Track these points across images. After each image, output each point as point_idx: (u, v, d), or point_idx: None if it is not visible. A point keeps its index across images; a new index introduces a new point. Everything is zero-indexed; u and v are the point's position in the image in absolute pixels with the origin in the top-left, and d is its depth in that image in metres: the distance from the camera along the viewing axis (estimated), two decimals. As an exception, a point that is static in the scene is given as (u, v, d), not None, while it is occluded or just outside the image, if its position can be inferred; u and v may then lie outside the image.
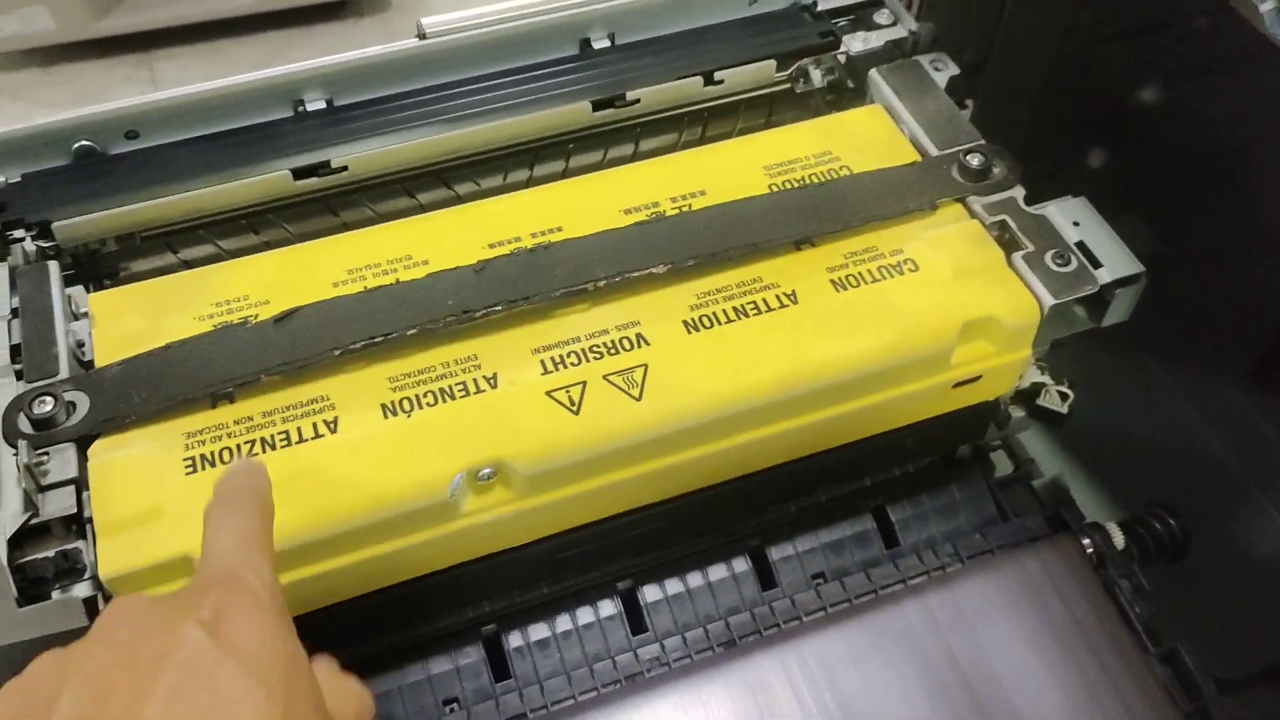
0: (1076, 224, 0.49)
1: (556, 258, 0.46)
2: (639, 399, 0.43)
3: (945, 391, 0.47)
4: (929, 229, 0.48)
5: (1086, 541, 0.50)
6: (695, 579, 0.50)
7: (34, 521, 0.39)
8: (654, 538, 0.48)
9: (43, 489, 0.40)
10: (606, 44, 0.53)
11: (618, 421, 0.43)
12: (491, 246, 0.47)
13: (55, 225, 0.46)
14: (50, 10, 1.66)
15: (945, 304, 0.46)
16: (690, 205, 0.49)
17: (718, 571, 0.51)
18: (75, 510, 0.40)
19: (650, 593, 0.50)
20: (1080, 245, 0.48)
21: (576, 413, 0.43)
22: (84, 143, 0.48)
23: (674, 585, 0.50)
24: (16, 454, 0.40)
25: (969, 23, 0.62)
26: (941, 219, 0.49)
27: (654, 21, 0.53)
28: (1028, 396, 0.52)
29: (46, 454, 0.40)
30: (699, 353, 0.44)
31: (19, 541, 0.39)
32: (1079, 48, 0.62)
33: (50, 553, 0.39)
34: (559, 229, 0.48)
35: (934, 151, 0.51)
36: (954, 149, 0.51)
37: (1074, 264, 0.47)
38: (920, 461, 0.52)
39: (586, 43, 0.53)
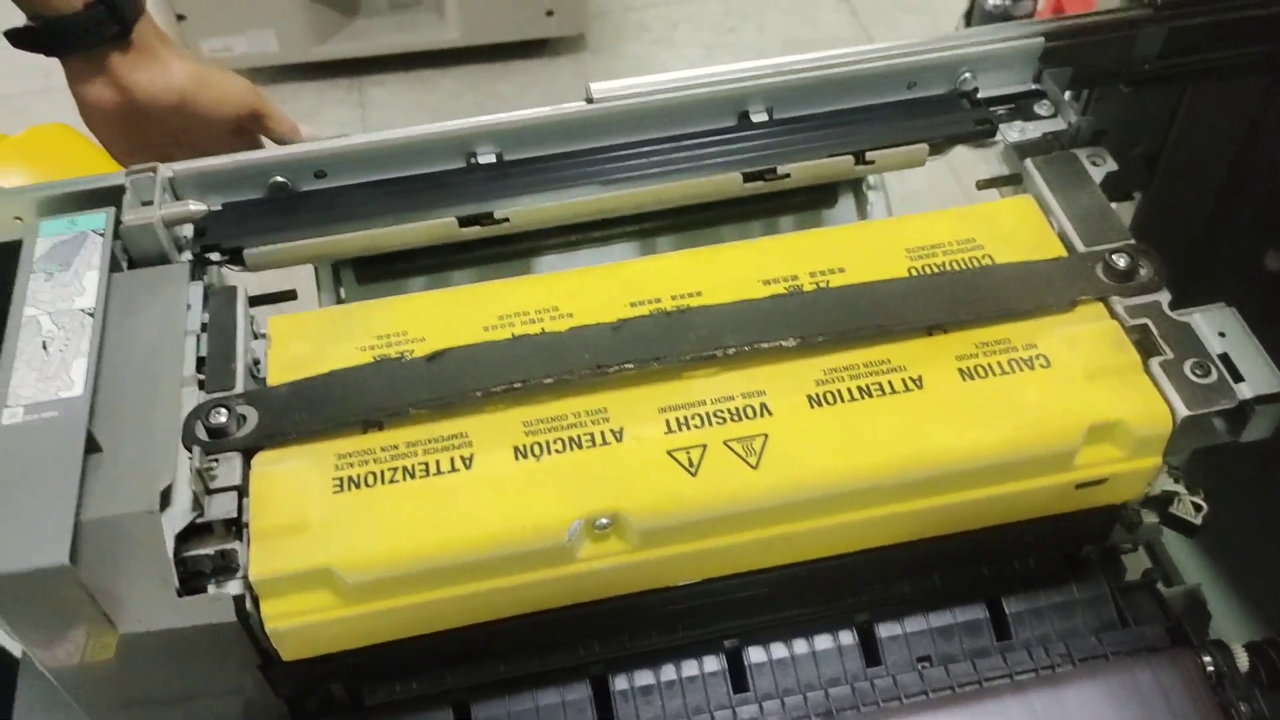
0: (1222, 334, 0.48)
1: (691, 322, 0.48)
2: (756, 467, 0.45)
3: (1068, 491, 0.47)
4: (1065, 325, 0.48)
5: (1207, 659, 0.49)
6: (800, 646, 0.51)
7: (199, 521, 0.44)
8: (763, 601, 0.49)
9: (210, 492, 0.44)
10: (764, 117, 0.55)
11: (733, 487, 0.44)
12: (632, 305, 0.50)
13: (246, 252, 0.52)
14: (276, 33, 1.80)
15: (1073, 404, 0.46)
16: (828, 281, 0.50)
17: (823, 641, 0.51)
18: (235, 515, 0.44)
19: (755, 654, 0.51)
20: (1224, 357, 0.47)
21: (694, 474, 0.45)
22: (278, 179, 0.53)
23: (779, 649, 0.51)
24: (192, 458, 0.44)
25: (1143, 116, 0.61)
26: (1080, 316, 0.49)
27: (812, 98, 0.55)
28: (1161, 502, 0.51)
29: (216, 460, 0.45)
30: (820, 427, 0.46)
31: (184, 537, 0.43)
32: (1265, 145, 0.61)
33: (210, 550, 0.44)
34: (698, 294, 0.50)
35: (1081, 247, 0.51)
36: (1102, 246, 0.50)
37: (1214, 375, 0.46)
38: (1041, 557, 0.52)
39: (745, 115, 0.55)
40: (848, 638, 0.51)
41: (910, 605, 0.52)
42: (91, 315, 0.46)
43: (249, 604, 0.43)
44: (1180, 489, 0.50)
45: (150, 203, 0.51)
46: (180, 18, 1.74)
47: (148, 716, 0.48)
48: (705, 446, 0.45)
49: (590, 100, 0.53)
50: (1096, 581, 0.52)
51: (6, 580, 0.39)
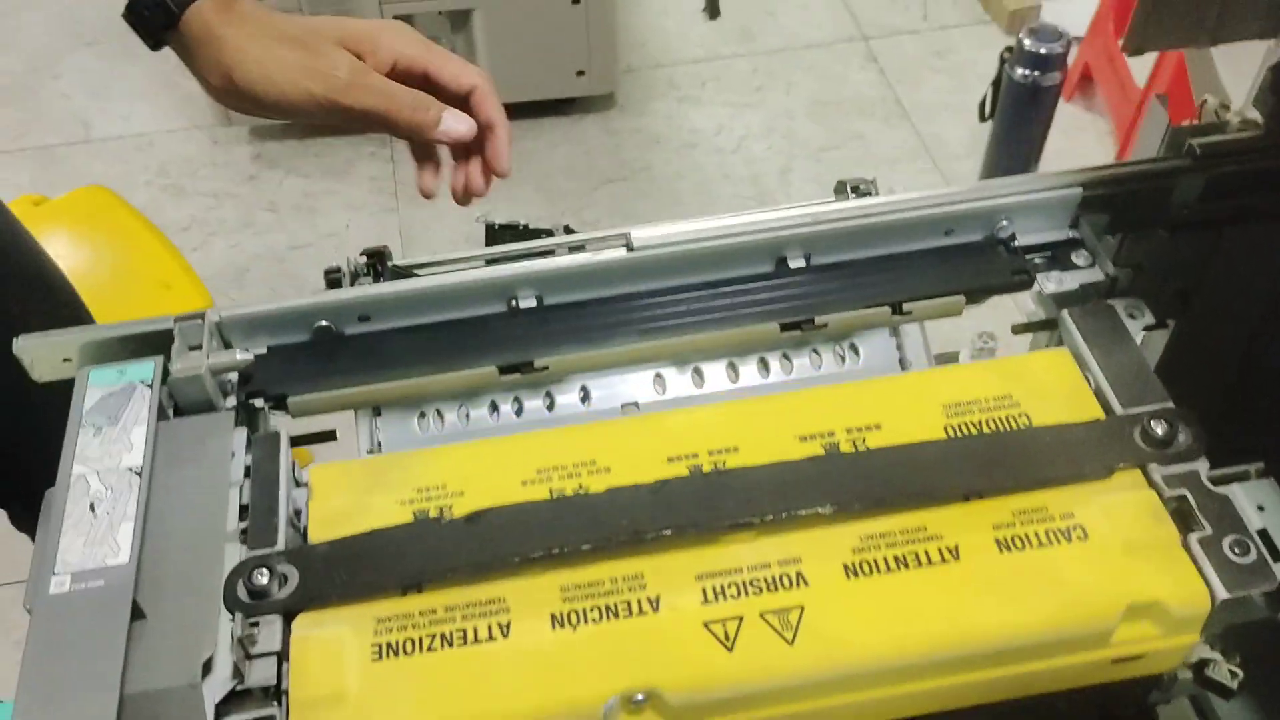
0: (1261, 509, 0.48)
1: (728, 486, 0.48)
2: (792, 643, 0.45)
3: (1103, 666, 0.47)
4: (1103, 494, 0.48)
5: (1244, 830, 0.48)
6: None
7: (240, 688, 0.44)
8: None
9: (250, 657, 0.45)
10: (802, 263, 0.56)
11: (769, 663, 0.44)
12: (670, 461, 0.50)
13: (291, 400, 0.52)
14: (309, 91, 1.82)
15: (1112, 582, 0.46)
16: (865, 439, 0.51)
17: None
18: (275, 681, 0.44)
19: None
20: (1263, 534, 0.47)
21: (730, 649, 0.45)
22: (322, 323, 0.54)
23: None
24: (233, 622, 0.45)
25: (1178, 254, 0.61)
26: (1117, 484, 0.49)
27: (849, 246, 0.56)
28: (1196, 666, 0.50)
29: (257, 624, 0.46)
30: (856, 600, 0.46)
31: (224, 702, 0.44)
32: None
33: (250, 716, 0.44)
34: (735, 449, 0.51)
35: (1118, 408, 0.51)
36: (1139, 409, 0.50)
37: (1254, 555, 0.46)
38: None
39: (783, 261, 0.56)
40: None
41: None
42: (139, 474, 0.47)
43: (289, 774, 0.43)
44: (1216, 655, 0.50)
45: (198, 347, 0.52)
46: (216, 76, 1.76)
47: None
48: (741, 619, 0.45)
49: (630, 248, 0.54)
50: (1131, 744, 0.52)
51: (55, 761, 0.39)
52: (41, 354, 0.53)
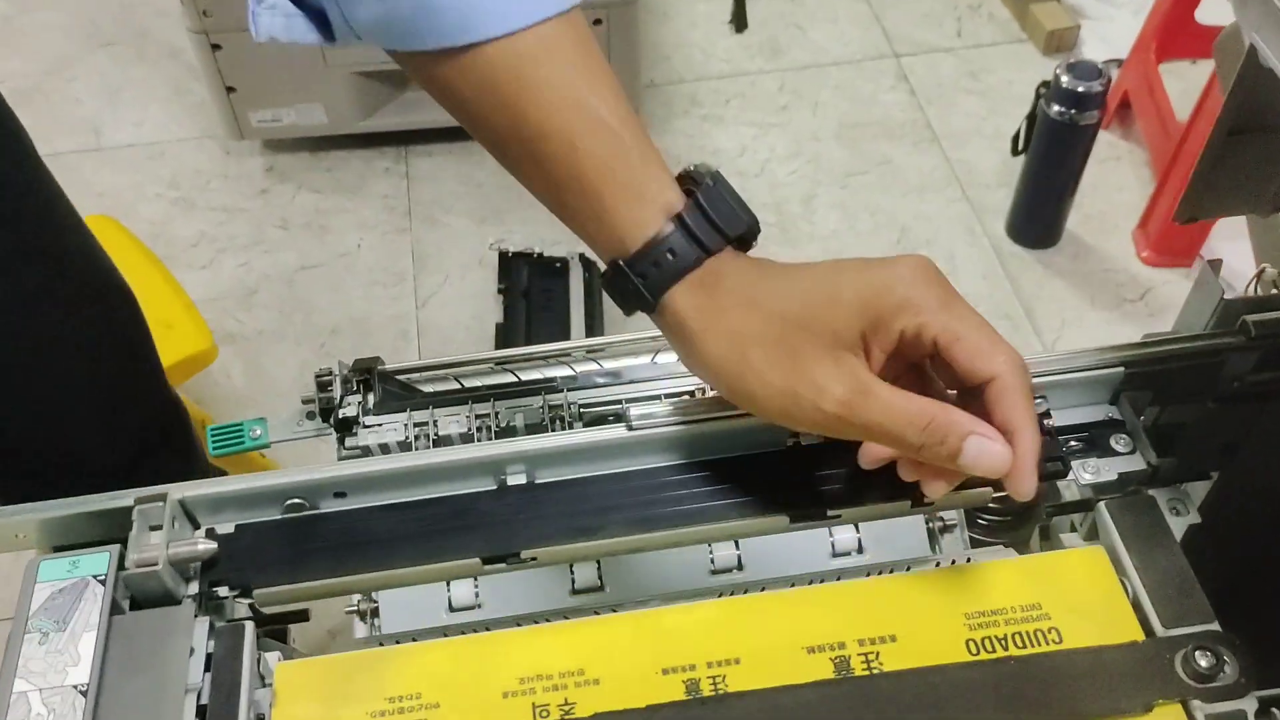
0: (1313, 755, 0.43)
1: (725, 718, 0.44)
2: None
3: None
4: (1139, 733, 0.44)
5: None
6: None
7: None
8: None
9: None
10: (816, 441, 0.51)
11: None
12: (665, 673, 0.46)
13: (256, 592, 0.48)
14: (324, 106, 1.78)
15: (1141, 846, 0.41)
16: (878, 654, 0.47)
17: None
18: None
19: None
20: (1313, 789, 0.42)
21: None
22: (296, 500, 0.50)
23: None
24: None
25: (1222, 414, 0.56)
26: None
27: (869, 423, 0.51)
28: None
29: None
30: None
31: None
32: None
33: None
34: (736, 660, 0.47)
35: (1159, 626, 0.46)
36: (1181, 630, 0.46)
37: (1303, 818, 0.42)
38: None
39: (796, 438, 0.51)
40: None
41: None
42: (83, 694, 0.43)
43: None
44: None
45: (159, 527, 0.48)
46: (230, 90, 1.72)
47: None
48: None
49: (630, 427, 0.50)
50: None
51: None
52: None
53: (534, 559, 0.49)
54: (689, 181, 0.48)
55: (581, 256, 1.67)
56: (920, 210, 1.78)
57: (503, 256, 1.68)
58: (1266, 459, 0.58)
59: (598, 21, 1.71)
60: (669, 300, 0.46)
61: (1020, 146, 1.70)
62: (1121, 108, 1.84)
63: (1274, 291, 0.52)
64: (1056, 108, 1.52)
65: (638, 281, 0.46)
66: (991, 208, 1.77)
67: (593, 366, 0.70)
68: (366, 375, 0.68)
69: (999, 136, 1.84)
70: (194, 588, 0.49)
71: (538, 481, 0.51)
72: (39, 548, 0.50)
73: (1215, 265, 0.53)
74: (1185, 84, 1.80)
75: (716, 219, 0.47)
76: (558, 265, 1.66)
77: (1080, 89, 1.49)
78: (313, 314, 1.70)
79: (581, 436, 0.50)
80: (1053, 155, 1.57)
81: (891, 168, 1.85)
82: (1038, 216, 1.67)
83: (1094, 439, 0.52)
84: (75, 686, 0.44)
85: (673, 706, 0.45)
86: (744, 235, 0.48)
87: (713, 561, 0.60)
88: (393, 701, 0.46)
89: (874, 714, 0.44)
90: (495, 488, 0.51)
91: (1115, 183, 1.79)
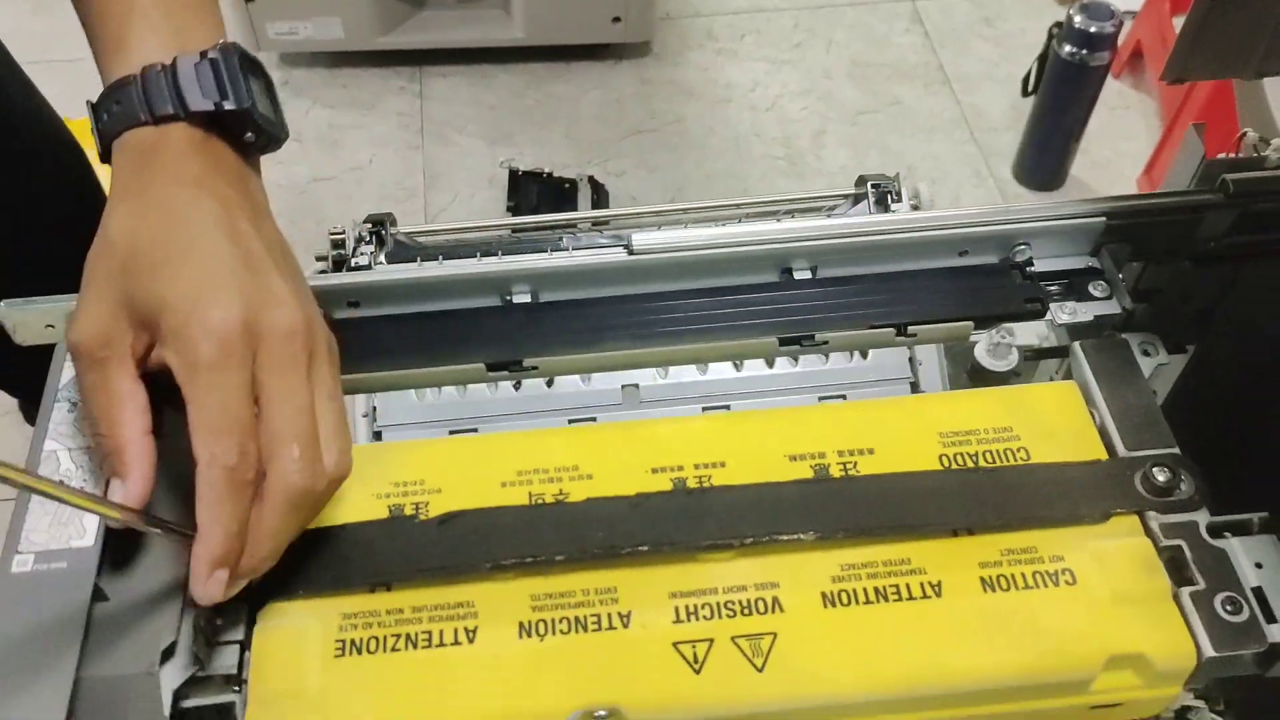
0: (1259, 565, 0.46)
1: (710, 506, 0.47)
2: (761, 670, 0.44)
3: (1081, 712, 0.46)
4: (1096, 539, 0.47)
5: None
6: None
7: (200, 674, 0.44)
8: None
9: (211, 644, 0.44)
10: (807, 275, 0.54)
11: (736, 690, 0.44)
12: (654, 472, 0.49)
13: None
14: (341, 21, 1.79)
15: (1096, 631, 0.44)
16: (856, 464, 0.49)
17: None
18: (236, 670, 0.44)
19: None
20: (1258, 592, 0.45)
21: (698, 671, 0.44)
22: (310, 303, 0.53)
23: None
24: (197, 610, 0.44)
25: (1198, 281, 0.59)
26: (1112, 530, 0.47)
27: (858, 260, 0.54)
28: (1178, 713, 0.49)
29: (221, 616, 0.45)
30: (830, 632, 0.45)
31: (183, 687, 0.44)
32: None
33: (208, 702, 0.44)
34: (722, 464, 0.49)
35: (1122, 449, 0.49)
36: (1143, 452, 0.49)
37: (1246, 614, 0.44)
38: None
39: (788, 272, 0.54)
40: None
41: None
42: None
43: (244, 767, 0.43)
44: (1200, 704, 0.49)
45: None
46: (248, 1, 1.74)
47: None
48: (712, 642, 0.45)
49: (631, 251, 0.52)
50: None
51: (7, 743, 0.39)
52: (25, 320, 0.52)
53: (535, 368, 0.52)
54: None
55: (591, 179, 1.70)
56: (929, 150, 1.79)
57: (512, 175, 1.70)
58: (1241, 328, 0.60)
59: (616, -53, 1.72)
60: (114, 150, 0.46)
61: (1030, 88, 1.71)
62: (1134, 57, 1.85)
63: (1255, 154, 0.54)
64: (1068, 48, 1.53)
65: (93, 123, 0.47)
66: (999, 150, 1.78)
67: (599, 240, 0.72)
68: (379, 228, 0.71)
69: (1010, 82, 1.85)
70: (213, 377, 0.51)
71: (542, 300, 0.53)
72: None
73: (1199, 128, 0.55)
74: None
75: (182, 88, 0.46)
76: (566, 186, 1.68)
77: (1093, 29, 1.51)
78: (323, 222, 1.72)
79: (585, 258, 0.53)
80: (1062, 96, 1.59)
81: (902, 108, 1.86)
82: (1044, 158, 1.68)
83: (1073, 285, 0.54)
84: (102, 447, 0.46)
85: (660, 495, 0.48)
86: (219, 119, 0.47)
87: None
88: (397, 485, 0.49)
89: (847, 509, 0.47)
90: (500, 305, 0.53)
91: (1124, 131, 1.81)
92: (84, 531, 0.44)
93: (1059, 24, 1.56)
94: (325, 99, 1.89)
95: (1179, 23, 1.79)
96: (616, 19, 1.81)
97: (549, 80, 1.90)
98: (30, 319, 0.51)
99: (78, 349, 0.43)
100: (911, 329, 0.52)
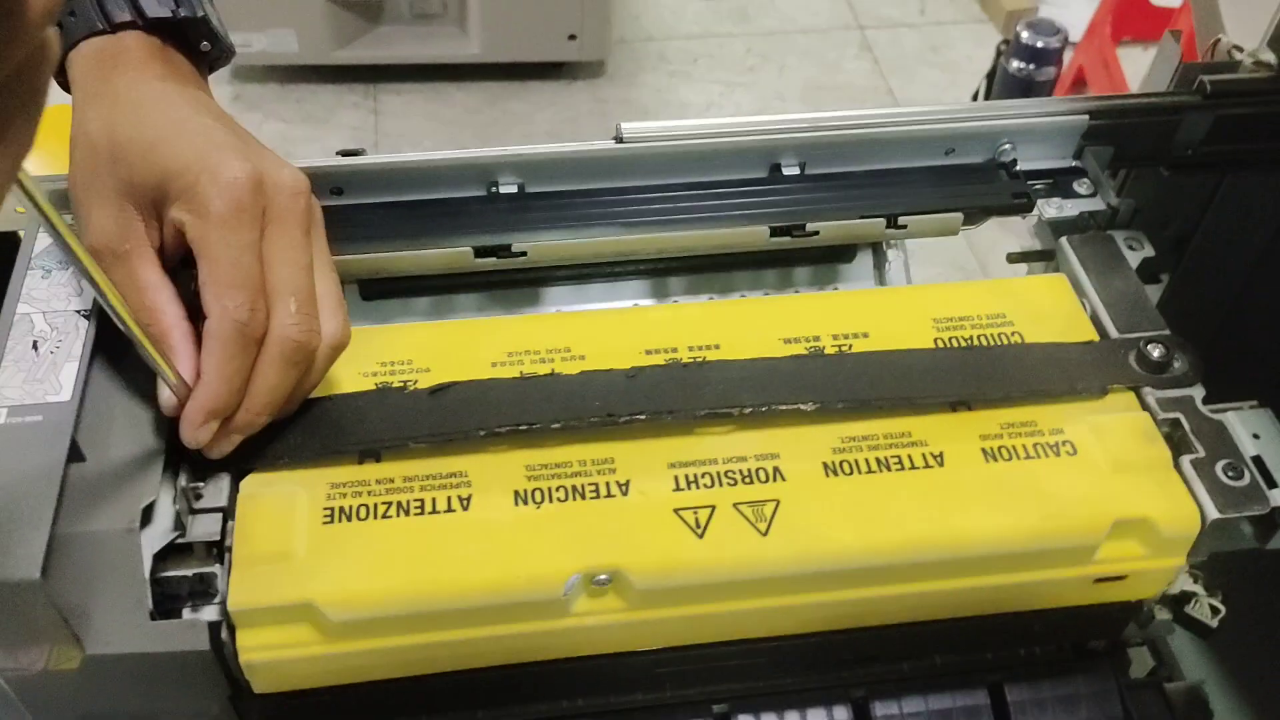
0: (1256, 436, 0.46)
1: (707, 377, 0.46)
2: (765, 534, 0.43)
3: (1085, 585, 0.45)
4: (1094, 413, 0.47)
5: (1211, 766, 0.47)
6: (793, 717, 0.49)
7: (179, 541, 0.42)
8: (758, 669, 0.47)
9: (194, 512, 0.42)
10: (796, 171, 0.54)
11: (739, 553, 0.42)
12: (647, 353, 0.48)
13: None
14: (296, 34, 1.79)
15: (1099, 496, 0.44)
16: (850, 346, 0.49)
17: (816, 716, 0.49)
18: (219, 537, 0.42)
19: (743, 722, 0.49)
20: (1257, 460, 0.45)
21: (701, 536, 0.43)
22: (293, 191, 0.51)
23: (769, 719, 0.49)
24: (177, 476, 0.42)
25: (1178, 198, 0.60)
26: (1110, 405, 0.47)
27: (846, 156, 0.54)
28: (1176, 600, 0.49)
29: (203, 480, 0.43)
30: (833, 498, 0.44)
31: (162, 556, 0.41)
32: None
33: (189, 572, 0.42)
34: (716, 346, 0.49)
35: (1114, 333, 0.49)
36: (1135, 334, 0.49)
37: (1247, 479, 0.44)
38: (1048, 646, 0.50)
39: (777, 168, 0.54)
40: (842, 713, 0.49)
41: (909, 685, 0.50)
42: (87, 318, 0.44)
43: (224, 632, 0.41)
44: (1199, 589, 0.48)
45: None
46: (202, 10, 1.72)
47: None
48: (714, 508, 0.43)
49: (620, 139, 0.52)
50: (1103, 675, 0.51)
51: (-22, 590, 0.37)
52: (-6, 199, 0.50)
53: (524, 253, 0.51)
54: None
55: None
56: (879, 168, 1.82)
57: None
58: (1218, 243, 0.61)
59: (575, -34, 1.74)
60: (70, 61, 0.46)
61: (979, 103, 1.75)
62: (1077, 83, 1.90)
63: (1228, 59, 0.56)
64: (1016, 63, 1.58)
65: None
66: (948, 169, 1.82)
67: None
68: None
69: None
70: (192, 261, 0.50)
71: (529, 191, 0.53)
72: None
73: (1176, 34, 0.56)
74: (1138, 67, 1.87)
75: None
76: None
77: (1039, 44, 1.55)
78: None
79: (573, 147, 0.52)
80: (1010, 111, 1.62)
81: (853, 129, 1.89)
82: (992, 174, 1.72)
83: (1058, 184, 0.55)
84: (78, 311, 0.45)
85: (657, 368, 0.47)
86: (176, 26, 0.47)
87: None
88: (384, 365, 0.47)
89: (845, 381, 0.46)
90: (486, 195, 0.53)
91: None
92: (60, 388, 0.42)
93: (1006, 41, 1.61)
94: (278, 114, 1.87)
95: (1123, 52, 1.85)
96: (572, 36, 1.83)
97: (505, 98, 1.91)
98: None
99: (100, 252, 0.42)
100: (902, 220, 0.52)
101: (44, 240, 0.47)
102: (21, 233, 0.49)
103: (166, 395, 0.42)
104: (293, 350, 0.41)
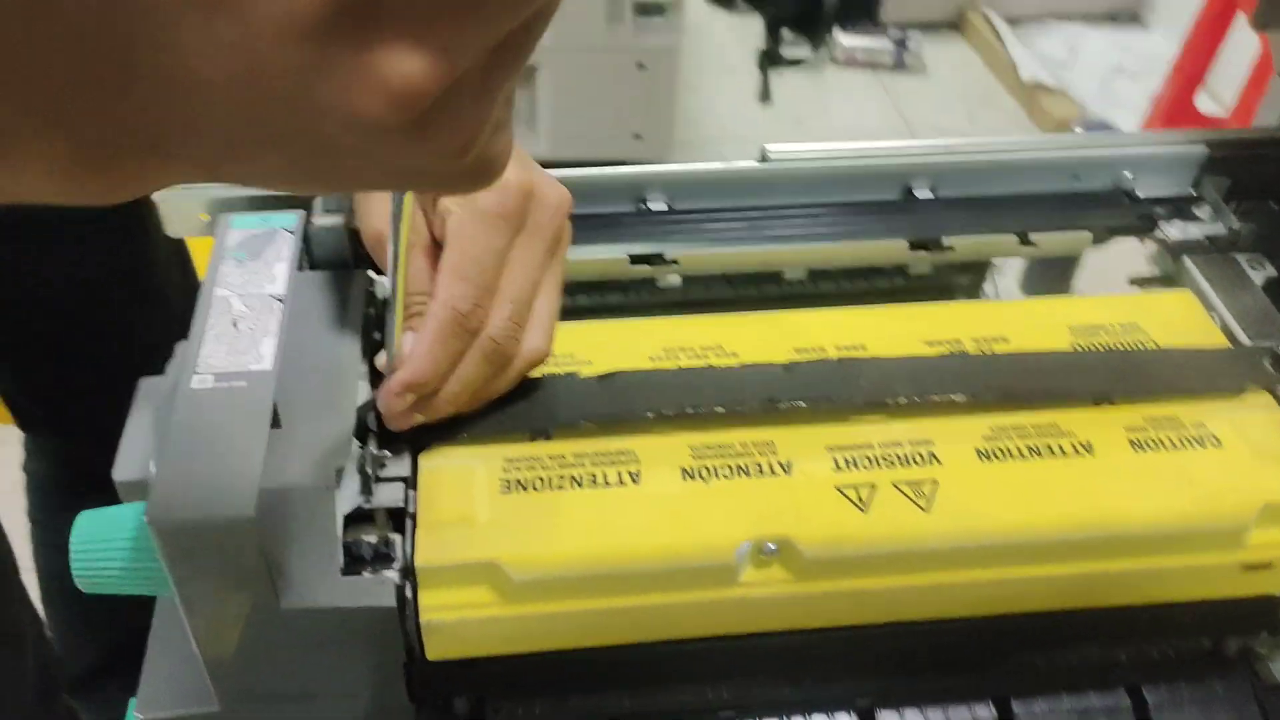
0: (1392, 434, 0.48)
1: (861, 370, 0.49)
2: (927, 510, 0.44)
3: (1233, 572, 0.46)
4: (1234, 410, 0.48)
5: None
6: (935, 714, 0.50)
7: (366, 507, 0.44)
8: (903, 660, 0.48)
9: (379, 480, 0.44)
10: (929, 195, 0.57)
11: (904, 526, 0.44)
12: (797, 351, 0.51)
13: (423, 265, 0.53)
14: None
15: (1247, 483, 0.45)
16: (991, 349, 0.51)
17: (959, 714, 0.50)
18: (401, 505, 0.44)
19: (887, 718, 0.49)
20: (1395, 454, 0.47)
21: (865, 510, 0.44)
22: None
23: (912, 715, 0.50)
24: (364, 447, 0.45)
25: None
26: (1248, 403, 0.49)
27: (977, 181, 0.57)
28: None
29: (387, 453, 0.45)
30: (991, 479, 0.45)
31: (349, 523, 0.43)
32: None
33: (373, 538, 0.44)
34: (862, 347, 0.51)
35: (1246, 341, 0.51)
36: (1269, 342, 0.51)
37: (1389, 470, 0.46)
38: (1187, 642, 0.50)
39: (909, 191, 0.57)
40: (984, 711, 0.50)
41: (1048, 683, 0.50)
42: (281, 301, 0.47)
43: (409, 592, 0.42)
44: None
45: (337, 211, 0.53)
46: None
47: (272, 709, 0.46)
48: (874, 486, 0.45)
49: (764, 159, 0.55)
50: (1240, 678, 0.51)
51: (193, 527, 0.39)
52: (180, 206, 0.53)
53: (676, 262, 0.54)
54: None
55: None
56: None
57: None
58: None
59: (641, 66, 1.82)
60: None
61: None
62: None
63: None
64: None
65: None
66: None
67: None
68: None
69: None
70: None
71: (676, 208, 0.56)
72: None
73: (1284, 75, 0.59)
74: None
75: None
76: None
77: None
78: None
79: (719, 166, 0.56)
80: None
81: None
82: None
83: (1179, 209, 0.57)
84: (272, 295, 0.47)
85: (812, 362, 0.49)
86: None
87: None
88: (549, 358, 0.50)
89: (995, 376, 0.48)
90: (635, 211, 0.56)
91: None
92: (261, 358, 0.45)
93: (1062, 140, 1.66)
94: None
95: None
96: (637, 136, 1.90)
97: (569, 195, 1.97)
98: (185, 206, 0.53)
99: (381, 235, 0.46)
100: (1033, 236, 0.55)
101: (236, 236, 0.50)
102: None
103: (384, 359, 0.44)
104: (491, 350, 0.44)
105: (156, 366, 0.45)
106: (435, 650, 0.44)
